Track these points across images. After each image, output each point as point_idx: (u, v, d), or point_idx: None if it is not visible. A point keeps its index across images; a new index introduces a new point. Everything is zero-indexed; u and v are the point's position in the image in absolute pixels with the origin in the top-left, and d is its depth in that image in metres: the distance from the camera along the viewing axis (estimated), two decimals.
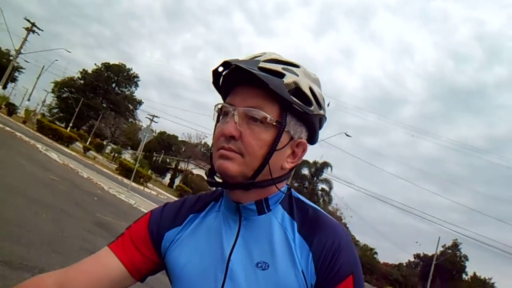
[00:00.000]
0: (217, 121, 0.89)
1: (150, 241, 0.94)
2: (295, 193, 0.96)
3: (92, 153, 33.86)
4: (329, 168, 51.08)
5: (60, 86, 60.47)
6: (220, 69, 0.86)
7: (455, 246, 55.16)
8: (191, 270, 0.88)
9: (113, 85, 64.78)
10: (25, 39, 33.08)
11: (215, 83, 0.90)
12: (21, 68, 45.52)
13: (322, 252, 0.83)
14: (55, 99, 62.99)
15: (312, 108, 0.86)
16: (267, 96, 0.82)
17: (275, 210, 0.90)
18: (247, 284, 0.83)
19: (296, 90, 0.83)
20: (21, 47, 32.23)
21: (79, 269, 0.89)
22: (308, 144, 0.91)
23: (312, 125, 0.89)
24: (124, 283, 0.92)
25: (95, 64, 63.19)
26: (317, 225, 0.88)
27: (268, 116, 0.81)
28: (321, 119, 0.91)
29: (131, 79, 66.41)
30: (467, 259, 57.59)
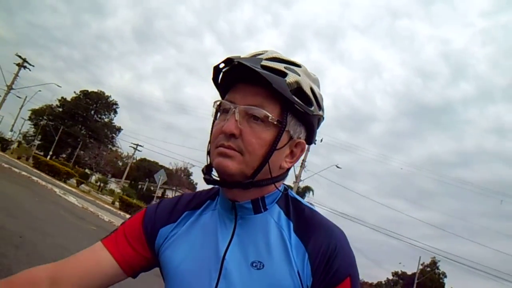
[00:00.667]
0: (215, 117, 0.89)
1: (144, 237, 0.93)
2: (291, 193, 0.95)
3: (85, 186, 34.01)
4: (311, 192, 52.58)
5: (38, 114, 59.88)
6: (221, 65, 0.85)
7: (434, 263, 56.75)
8: (186, 268, 0.87)
9: (92, 112, 64.63)
10: (16, 75, 33.24)
11: (215, 79, 0.89)
12: None
13: (318, 253, 0.83)
14: (32, 127, 62.22)
15: (312, 109, 0.86)
16: (269, 95, 0.82)
17: (272, 209, 0.90)
18: (241, 284, 0.83)
19: (298, 89, 0.83)
20: (12, 82, 32.40)
21: (72, 263, 0.89)
22: (306, 144, 0.91)
23: (311, 126, 0.89)
24: (116, 278, 0.92)
25: (74, 92, 62.90)
26: (314, 226, 0.87)
27: (269, 115, 0.81)
28: (320, 119, 0.91)
29: (110, 106, 66.28)
30: (445, 276, 59.52)
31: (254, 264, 0.84)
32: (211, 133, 0.88)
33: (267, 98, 0.82)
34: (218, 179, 0.86)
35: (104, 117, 66.35)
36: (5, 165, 18.21)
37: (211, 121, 0.89)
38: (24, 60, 33.88)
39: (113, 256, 0.90)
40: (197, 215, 0.95)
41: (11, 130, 45.20)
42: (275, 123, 0.82)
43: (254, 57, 0.86)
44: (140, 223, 0.95)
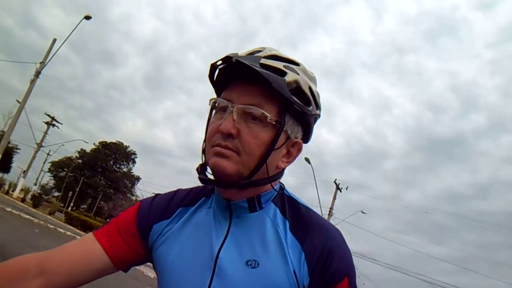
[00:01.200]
0: (209, 115, 0.88)
1: (137, 232, 0.91)
2: (287, 191, 0.94)
3: None
4: None
5: (58, 166, 61.39)
6: (219, 63, 0.84)
7: None
8: (179, 266, 0.86)
9: (111, 162, 66.05)
10: (46, 133, 34.92)
11: (211, 77, 0.87)
12: (17, 148, 46.75)
13: (316, 253, 0.82)
14: (52, 179, 63.58)
15: (310, 108, 0.85)
16: (267, 94, 0.80)
17: (267, 208, 0.89)
18: (235, 282, 0.81)
19: (297, 89, 0.82)
20: (42, 140, 33.89)
21: (62, 254, 0.88)
22: (303, 144, 0.90)
23: (309, 125, 0.89)
24: (106, 271, 0.90)
25: (94, 144, 64.68)
26: (310, 225, 0.86)
27: (268, 115, 0.80)
28: (316, 118, 0.90)
29: (128, 156, 67.69)
30: None
31: (249, 263, 0.82)
32: (206, 131, 0.86)
33: (265, 97, 0.81)
34: (213, 178, 0.84)
35: (123, 167, 67.64)
36: (51, 226, 18.02)
37: (206, 118, 0.88)
38: (53, 119, 35.62)
39: (104, 250, 0.88)
40: (192, 212, 0.93)
41: (35, 184, 46.52)
42: (274, 123, 0.81)
43: (252, 55, 0.85)
44: (134, 218, 0.93)
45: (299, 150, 0.90)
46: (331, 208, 26.17)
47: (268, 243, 0.84)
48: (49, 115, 35.53)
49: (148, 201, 0.97)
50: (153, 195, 1.01)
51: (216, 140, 0.82)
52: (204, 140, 0.87)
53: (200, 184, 0.94)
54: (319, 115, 0.92)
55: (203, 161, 0.87)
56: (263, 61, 0.82)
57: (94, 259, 0.88)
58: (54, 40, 20.16)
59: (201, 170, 0.87)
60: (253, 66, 0.77)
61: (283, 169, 0.90)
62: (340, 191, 26.93)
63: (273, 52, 0.86)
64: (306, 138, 0.92)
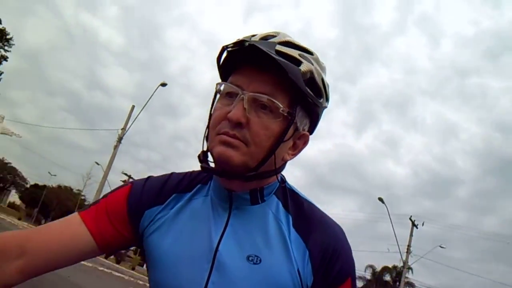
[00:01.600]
0: (214, 99, 0.83)
1: (127, 217, 0.86)
2: (288, 184, 0.90)
3: None
4: (410, 271, 49.58)
5: None
6: (231, 46, 0.79)
7: None
8: (174, 256, 0.81)
9: None
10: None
11: (219, 59, 0.82)
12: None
13: (320, 252, 0.79)
14: None
15: (321, 101, 0.82)
16: (280, 83, 0.76)
17: (269, 201, 0.85)
18: (236, 278, 0.77)
19: (310, 80, 0.78)
20: None
21: (44, 234, 0.83)
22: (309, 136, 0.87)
23: (317, 118, 0.86)
24: (90, 254, 0.85)
25: None
26: (315, 222, 0.83)
27: (280, 106, 0.76)
28: (324, 109, 0.86)
29: None
30: None
31: (250, 258, 0.78)
32: (209, 117, 0.82)
33: (277, 86, 0.77)
34: (214, 167, 0.80)
35: None
36: (140, 282, 17.87)
37: (210, 103, 0.84)
38: (129, 177, 38.28)
39: (90, 232, 0.83)
40: (187, 199, 0.88)
41: None
42: (285, 114, 0.77)
43: (266, 39, 0.80)
44: (125, 201, 0.87)
45: (305, 143, 0.86)
46: (408, 246, 25.18)
47: (271, 238, 0.80)
48: (126, 174, 38.18)
49: (140, 183, 0.91)
50: (146, 177, 0.94)
51: (223, 128, 0.77)
52: (207, 126, 0.82)
53: (196, 169, 0.92)
54: (327, 106, 0.88)
55: (205, 149, 0.82)
56: (278, 47, 0.78)
57: (78, 241, 0.83)
58: (133, 106, 21.07)
59: (204, 158, 0.82)
60: (270, 54, 0.73)
61: (286, 162, 0.86)
62: (416, 227, 25.75)
63: (287, 39, 0.82)
64: (312, 129, 0.88)
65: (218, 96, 0.83)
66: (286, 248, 0.79)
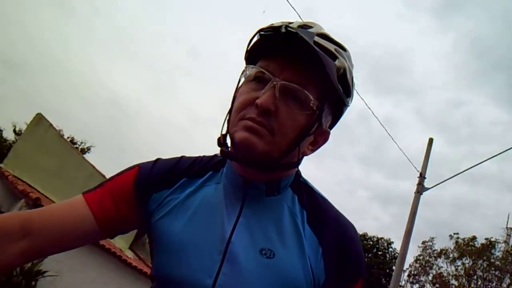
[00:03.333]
0: (239, 81, 0.81)
1: (134, 199, 0.83)
2: (303, 178, 0.88)
3: None
4: None
5: None
6: (268, 31, 0.76)
7: None
8: (183, 243, 0.78)
9: None
10: None
11: (250, 41, 0.80)
12: None
13: (334, 251, 0.78)
14: None
15: (348, 99, 0.82)
16: (312, 74, 0.75)
17: (285, 194, 0.83)
18: (248, 271, 0.75)
19: (342, 76, 0.77)
20: None
21: (48, 215, 0.81)
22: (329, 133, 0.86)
23: (340, 115, 0.86)
24: (93, 238, 0.84)
25: None
26: (329, 220, 0.82)
27: (312, 98, 0.74)
28: (346, 108, 0.86)
29: None
30: None
31: (263, 252, 0.76)
32: (233, 100, 0.80)
33: (309, 78, 0.75)
34: (233, 152, 0.78)
35: None
36: None
37: (236, 85, 0.82)
38: None
39: (94, 215, 0.81)
40: (198, 185, 0.85)
41: None
42: (315, 108, 0.76)
43: (303, 27, 0.78)
44: (132, 183, 0.85)
45: (325, 140, 0.85)
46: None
47: (285, 232, 0.79)
48: None
49: (148, 166, 0.88)
50: (154, 159, 0.91)
51: (249, 114, 0.74)
52: (230, 110, 0.79)
53: (207, 154, 0.90)
54: (349, 106, 0.87)
55: (224, 132, 0.79)
56: (316, 39, 0.76)
57: (81, 224, 0.81)
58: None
59: (224, 142, 0.79)
60: (310, 43, 0.72)
61: (304, 156, 0.84)
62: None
63: (323, 31, 0.80)
64: (332, 126, 0.88)
65: (242, 79, 0.81)
66: (300, 244, 0.78)
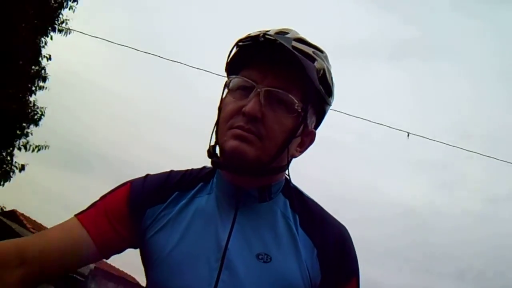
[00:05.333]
0: (222, 93, 0.83)
1: (129, 218, 0.83)
2: (293, 183, 0.90)
3: None
4: None
5: None
6: (247, 41, 0.78)
7: None
8: (179, 255, 0.79)
9: None
10: None
11: (230, 53, 0.82)
12: None
13: (328, 251, 0.80)
14: None
15: (330, 99, 0.84)
16: (294, 78, 0.77)
17: (277, 199, 0.85)
18: (246, 276, 0.76)
19: (322, 77, 0.80)
20: None
21: (44, 241, 0.80)
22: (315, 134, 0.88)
23: (323, 116, 0.88)
24: (90, 260, 0.85)
25: None
26: (321, 222, 0.84)
27: (296, 101, 0.76)
28: (329, 108, 0.88)
29: None
30: None
31: (260, 257, 0.77)
32: (219, 111, 0.81)
33: (291, 81, 0.77)
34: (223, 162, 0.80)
35: None
36: None
37: (220, 96, 0.83)
38: None
39: (91, 237, 0.80)
40: (190, 197, 0.85)
41: None
42: (300, 110, 0.78)
43: (282, 35, 0.80)
44: (125, 201, 0.84)
45: (312, 140, 0.88)
46: None
47: (280, 236, 0.80)
48: None
49: (139, 181, 0.88)
50: (143, 175, 0.91)
51: (237, 122, 0.76)
52: (217, 122, 0.82)
53: (195, 167, 0.92)
54: (331, 105, 0.89)
55: (214, 143, 0.81)
56: (294, 44, 0.78)
57: (79, 247, 0.80)
58: None
59: (214, 152, 0.81)
60: (290, 49, 0.74)
61: (292, 159, 0.86)
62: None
63: (300, 36, 0.82)
64: (317, 127, 0.90)
65: (225, 91, 0.83)
66: (295, 247, 0.80)
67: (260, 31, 0.79)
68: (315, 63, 0.78)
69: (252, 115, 0.74)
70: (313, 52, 0.80)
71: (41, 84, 8.10)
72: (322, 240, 0.81)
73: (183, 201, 0.85)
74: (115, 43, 6.26)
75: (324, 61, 0.82)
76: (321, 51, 0.84)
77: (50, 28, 7.90)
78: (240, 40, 0.79)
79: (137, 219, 0.84)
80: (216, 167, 0.84)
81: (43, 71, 8.12)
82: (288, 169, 0.86)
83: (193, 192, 0.86)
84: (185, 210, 0.84)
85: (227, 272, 0.77)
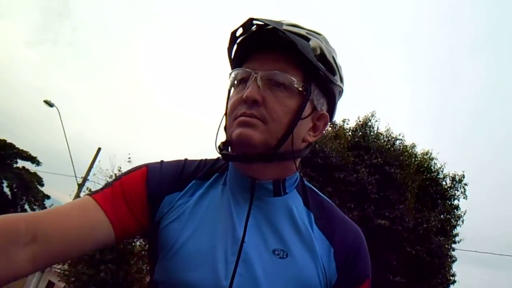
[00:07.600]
0: (229, 90, 0.84)
1: (146, 201, 0.79)
2: (306, 182, 0.90)
3: None
4: None
5: None
6: (239, 31, 0.79)
7: None
8: (195, 246, 0.76)
9: None
10: None
11: (230, 48, 0.82)
12: None
13: (344, 251, 0.80)
14: None
15: (336, 78, 0.82)
16: (291, 60, 0.77)
17: (292, 195, 0.84)
18: (263, 271, 0.74)
19: (321, 56, 0.78)
20: None
21: (58, 218, 0.73)
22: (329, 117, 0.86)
23: (334, 97, 0.85)
24: (105, 244, 0.77)
25: None
26: (335, 220, 0.84)
27: (294, 80, 0.76)
28: (340, 92, 0.86)
29: None
30: None
31: (276, 252, 0.77)
32: (226, 107, 0.82)
33: (289, 63, 0.78)
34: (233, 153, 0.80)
35: None
36: None
37: (226, 94, 0.84)
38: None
39: (108, 217, 0.75)
40: (206, 187, 0.84)
41: None
42: (300, 89, 0.77)
43: (274, 22, 0.79)
44: (144, 184, 0.81)
45: (326, 123, 0.86)
46: None
47: (296, 233, 0.80)
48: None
49: (156, 166, 0.85)
50: (159, 161, 0.89)
51: (240, 110, 0.77)
52: (226, 116, 0.82)
53: (209, 158, 0.92)
54: (343, 90, 0.87)
55: (225, 139, 0.82)
56: (285, 27, 0.77)
57: (97, 230, 0.74)
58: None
59: (224, 146, 0.81)
60: (277, 28, 0.74)
61: (309, 145, 0.86)
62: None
63: (294, 22, 0.82)
64: (331, 111, 0.88)
65: (232, 88, 0.84)
66: (311, 244, 0.79)
67: (249, 18, 0.78)
68: (310, 42, 0.77)
69: (251, 99, 0.75)
70: (306, 32, 0.80)
71: None
72: (339, 240, 0.81)
73: (200, 191, 0.84)
74: None
75: (321, 41, 0.81)
76: (318, 33, 0.83)
77: None
78: (235, 32, 0.80)
79: (155, 204, 0.81)
80: (226, 160, 0.84)
81: None
82: (304, 155, 0.85)
83: (208, 182, 0.85)
84: (202, 200, 0.83)
85: (243, 265, 0.75)
